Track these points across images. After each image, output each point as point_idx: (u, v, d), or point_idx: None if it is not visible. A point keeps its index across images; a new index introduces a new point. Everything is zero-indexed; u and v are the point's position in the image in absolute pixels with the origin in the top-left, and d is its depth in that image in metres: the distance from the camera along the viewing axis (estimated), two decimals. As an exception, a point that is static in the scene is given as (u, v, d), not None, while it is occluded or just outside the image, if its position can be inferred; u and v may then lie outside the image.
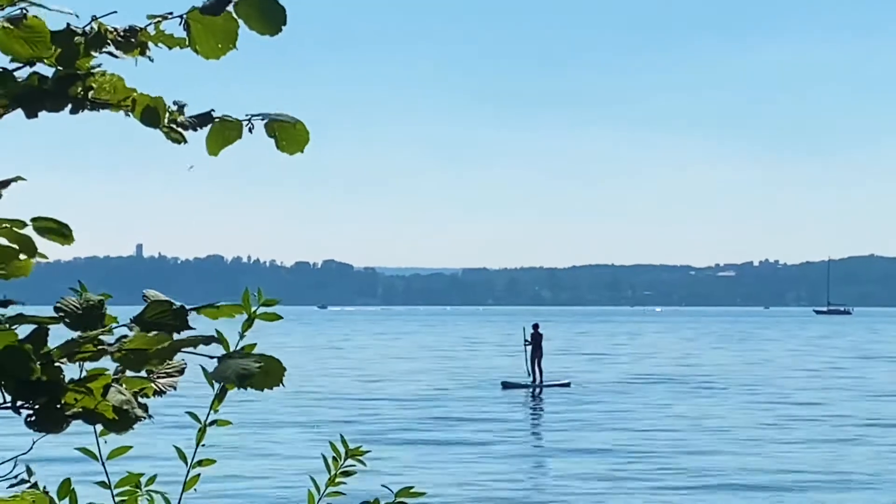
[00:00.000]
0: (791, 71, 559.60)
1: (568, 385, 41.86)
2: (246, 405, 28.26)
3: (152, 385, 2.19)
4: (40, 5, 2.06)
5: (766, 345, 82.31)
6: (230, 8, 2.12)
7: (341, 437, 3.31)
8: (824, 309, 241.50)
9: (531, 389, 40.67)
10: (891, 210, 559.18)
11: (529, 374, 41.92)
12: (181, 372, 2.24)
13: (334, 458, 3.27)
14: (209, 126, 2.23)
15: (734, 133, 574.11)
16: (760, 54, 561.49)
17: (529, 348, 42.29)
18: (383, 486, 3.12)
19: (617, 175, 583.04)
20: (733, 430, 27.99)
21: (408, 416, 31.51)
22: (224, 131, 2.22)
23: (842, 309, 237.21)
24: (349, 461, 3.27)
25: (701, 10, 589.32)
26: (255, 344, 2.41)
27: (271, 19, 2.13)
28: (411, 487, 3.12)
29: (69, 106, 2.15)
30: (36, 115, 2.14)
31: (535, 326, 42.64)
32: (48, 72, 2.14)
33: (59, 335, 2.11)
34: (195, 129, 2.20)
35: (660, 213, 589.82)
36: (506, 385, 41.77)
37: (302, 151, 2.24)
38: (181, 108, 2.21)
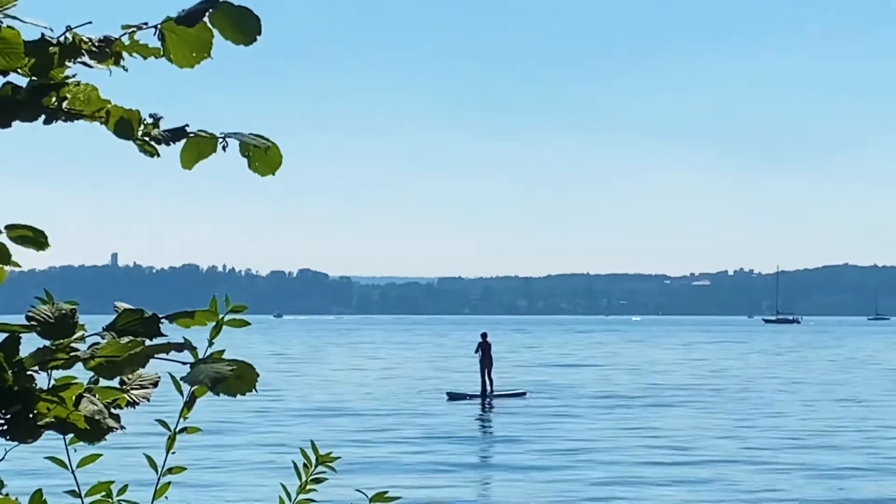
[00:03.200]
0: (768, 78, 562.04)
1: (523, 395, 40.54)
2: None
3: (125, 396, 2.20)
4: (14, 17, 2.07)
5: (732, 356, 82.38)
6: (205, 17, 2.13)
7: (312, 443, 3.31)
8: (773, 318, 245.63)
9: (482, 400, 39.09)
10: (865, 219, 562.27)
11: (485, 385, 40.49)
12: (155, 384, 2.24)
13: (305, 465, 3.27)
14: (183, 140, 2.23)
15: (709, 142, 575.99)
16: (737, 61, 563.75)
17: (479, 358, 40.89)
18: (357, 490, 3.13)
19: (592, 184, 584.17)
20: (684, 443, 27.23)
21: (339, 430, 29.28)
22: (199, 145, 2.22)
23: (790, 318, 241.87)
24: (319, 468, 3.27)
25: (673, 17, 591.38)
26: (224, 350, 2.42)
27: (246, 29, 2.14)
28: (385, 492, 3.13)
29: (43, 116, 2.15)
30: (9, 125, 2.14)
31: (484, 336, 41.12)
32: (22, 81, 2.14)
33: (29, 344, 2.11)
34: (168, 144, 2.20)
35: (635, 222, 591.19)
36: (451, 396, 40.04)
37: (273, 174, 2.25)
38: (157, 120, 2.21)
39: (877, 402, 38.67)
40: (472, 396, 39.94)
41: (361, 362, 68.00)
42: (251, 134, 2.23)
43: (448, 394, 40.61)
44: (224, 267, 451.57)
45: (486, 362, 40.61)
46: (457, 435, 28.78)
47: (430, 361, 69.08)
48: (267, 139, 2.23)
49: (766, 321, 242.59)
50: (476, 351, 41.25)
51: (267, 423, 30.93)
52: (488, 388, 40.25)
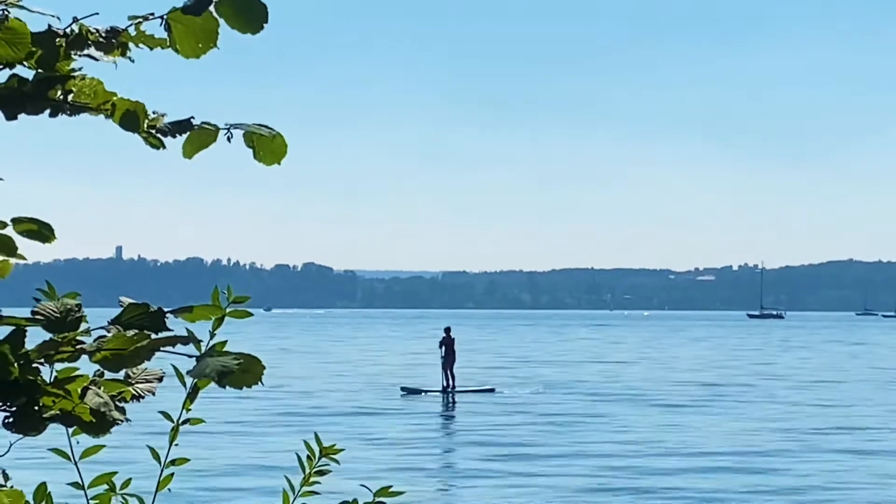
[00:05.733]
0: (773, 75, 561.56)
1: (492, 391, 39.55)
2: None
3: (130, 390, 2.20)
4: (22, 7, 2.07)
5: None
6: (210, 7, 2.12)
7: (315, 435, 3.31)
8: (756, 313, 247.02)
9: (444, 396, 38.06)
10: (870, 214, 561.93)
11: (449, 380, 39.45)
12: (160, 379, 2.25)
13: (308, 456, 3.27)
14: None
15: (714, 137, 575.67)
16: (742, 59, 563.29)
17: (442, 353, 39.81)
18: (362, 485, 3.13)
19: (597, 179, 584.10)
20: (640, 444, 26.20)
21: (286, 425, 28.39)
22: (201, 136, 2.23)
23: (774, 313, 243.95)
24: (323, 460, 3.27)
25: (679, 14, 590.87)
26: (227, 341, 2.42)
27: (252, 17, 2.13)
28: (389, 486, 3.13)
29: (48, 109, 2.15)
30: (16, 118, 2.14)
31: (447, 330, 40.16)
32: (28, 74, 2.14)
33: (34, 337, 2.11)
34: (174, 136, 2.20)
35: (639, 217, 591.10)
36: (406, 391, 39.23)
37: (279, 164, 2.24)
38: (160, 115, 2.21)
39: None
40: (428, 392, 38.88)
41: (327, 357, 66.19)
42: (255, 124, 2.22)
43: (403, 388, 39.64)
44: (228, 260, 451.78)
45: (448, 358, 39.57)
46: (412, 433, 27.50)
47: (403, 356, 66.92)
48: (271, 128, 2.23)
49: (750, 316, 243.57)
50: (440, 346, 40.07)
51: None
52: (450, 383, 39.29)
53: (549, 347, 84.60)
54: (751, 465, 22.57)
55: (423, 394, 38.64)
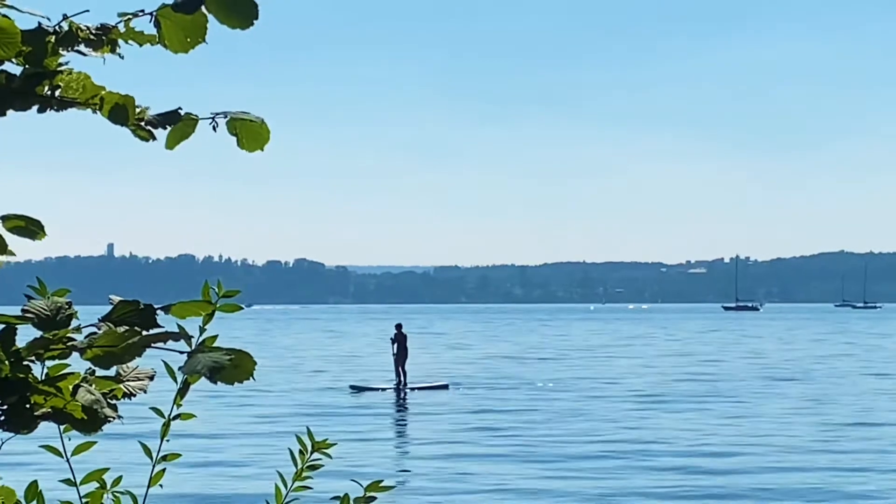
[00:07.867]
0: (763, 68, 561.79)
1: (446, 387, 39.09)
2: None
3: (122, 387, 2.20)
4: (12, 6, 2.06)
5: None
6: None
7: (308, 430, 3.31)
8: (732, 305, 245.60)
9: (396, 394, 37.45)
10: (861, 206, 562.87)
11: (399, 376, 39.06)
12: (151, 378, 2.24)
13: (300, 451, 3.27)
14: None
15: (705, 130, 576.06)
16: (733, 52, 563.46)
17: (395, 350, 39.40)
18: (353, 480, 3.13)
19: (588, 172, 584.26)
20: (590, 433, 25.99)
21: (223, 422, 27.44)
22: (182, 127, 2.22)
23: (750, 305, 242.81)
24: (315, 455, 3.27)
25: (671, 7, 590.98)
26: (217, 336, 2.42)
27: (242, 13, 2.13)
28: (380, 481, 3.13)
29: (37, 105, 2.14)
30: (4, 114, 2.13)
31: (398, 327, 39.94)
32: (16, 70, 2.13)
33: (25, 333, 2.11)
34: (164, 128, 2.20)
35: (631, 210, 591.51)
36: (355, 388, 38.73)
37: (262, 150, 2.24)
38: (145, 108, 2.21)
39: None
40: (380, 389, 38.38)
41: (280, 353, 64.68)
42: (239, 111, 2.22)
43: (352, 387, 39.17)
44: (220, 257, 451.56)
45: (400, 355, 39.28)
46: (358, 433, 26.35)
47: (364, 353, 64.69)
48: (254, 116, 2.22)
49: (726, 308, 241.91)
50: (392, 343, 39.69)
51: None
52: (402, 380, 38.99)
53: (514, 342, 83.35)
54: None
55: (378, 391, 38.16)
